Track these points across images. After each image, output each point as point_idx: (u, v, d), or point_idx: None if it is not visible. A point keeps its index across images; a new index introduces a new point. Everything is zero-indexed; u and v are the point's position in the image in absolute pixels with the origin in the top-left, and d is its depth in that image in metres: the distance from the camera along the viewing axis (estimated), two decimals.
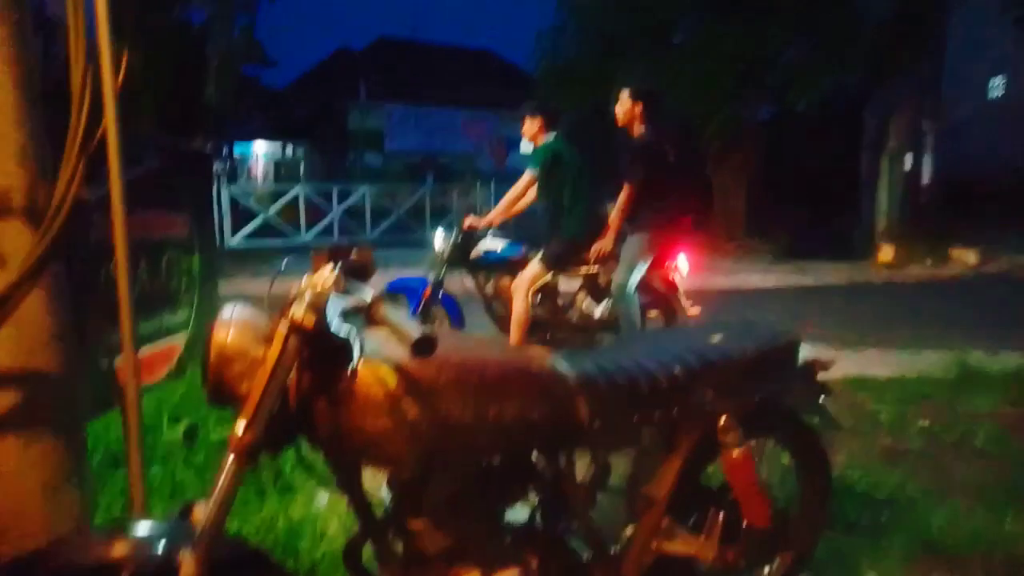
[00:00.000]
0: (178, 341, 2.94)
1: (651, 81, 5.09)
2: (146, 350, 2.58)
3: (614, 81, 4.78)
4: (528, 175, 4.61)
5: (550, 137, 4.67)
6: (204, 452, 2.54)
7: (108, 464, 2.36)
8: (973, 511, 2.56)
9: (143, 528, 1.28)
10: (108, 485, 2.25)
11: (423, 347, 1.17)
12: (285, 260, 1.47)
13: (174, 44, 12.21)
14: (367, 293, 1.31)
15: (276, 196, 15.01)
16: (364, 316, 1.27)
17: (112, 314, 1.87)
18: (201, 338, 2.86)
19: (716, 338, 1.81)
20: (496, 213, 4.81)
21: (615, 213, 4.43)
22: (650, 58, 12.07)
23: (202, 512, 1.25)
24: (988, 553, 2.28)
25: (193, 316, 3.04)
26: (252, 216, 13.61)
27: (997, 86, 13.63)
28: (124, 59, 1.78)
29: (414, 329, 1.18)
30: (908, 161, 11.26)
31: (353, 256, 1.47)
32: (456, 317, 4.88)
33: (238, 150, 27.65)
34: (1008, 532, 2.39)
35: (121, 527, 1.32)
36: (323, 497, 2.46)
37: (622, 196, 4.36)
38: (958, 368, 4.33)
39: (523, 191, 4.68)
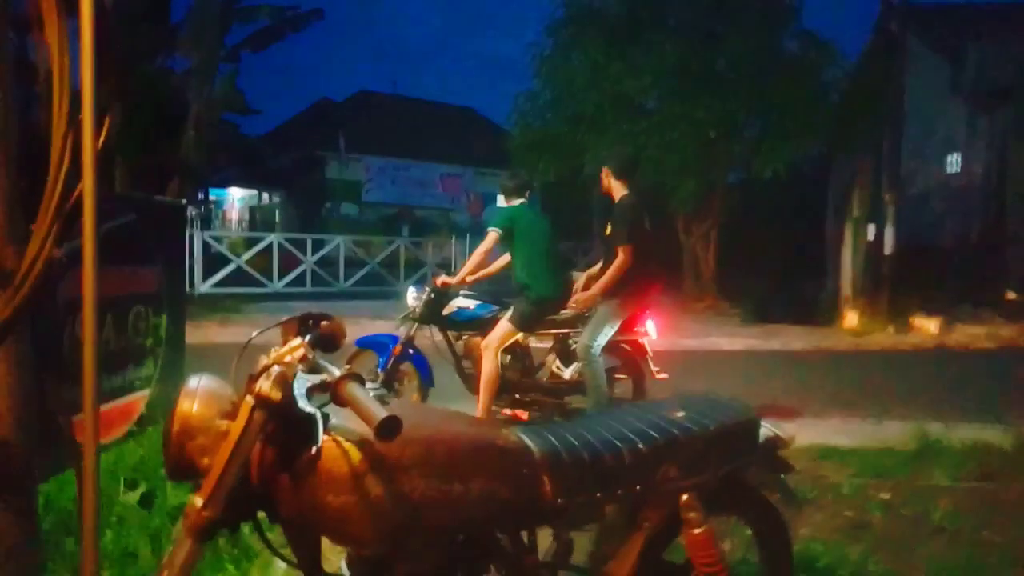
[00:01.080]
0: (140, 397, 2.89)
1: (628, 155, 5.25)
2: (107, 406, 2.53)
3: (585, 148, 4.98)
4: (491, 234, 4.72)
5: (516, 203, 4.84)
6: (160, 517, 2.46)
7: (60, 528, 2.28)
8: None
9: None
10: (58, 551, 2.16)
11: (387, 429, 1.17)
12: (254, 335, 1.47)
13: (155, 91, 12.28)
14: (333, 370, 1.31)
15: (250, 243, 14.96)
16: (330, 393, 1.27)
17: (72, 370, 1.84)
18: (165, 396, 2.82)
19: (679, 414, 1.84)
20: (466, 272, 4.85)
21: (611, 272, 4.37)
22: (620, 128, 12.44)
23: None
24: None
25: (157, 373, 3.00)
26: (224, 261, 13.52)
27: (953, 162, 14.23)
28: (107, 122, 1.80)
29: (379, 410, 1.18)
30: (871, 230, 11.62)
31: (323, 327, 1.48)
32: (425, 374, 4.87)
33: (214, 194, 27.58)
34: None
35: None
36: (280, 566, 2.39)
37: (620, 258, 4.33)
38: (918, 440, 4.40)
39: (488, 249, 4.75)
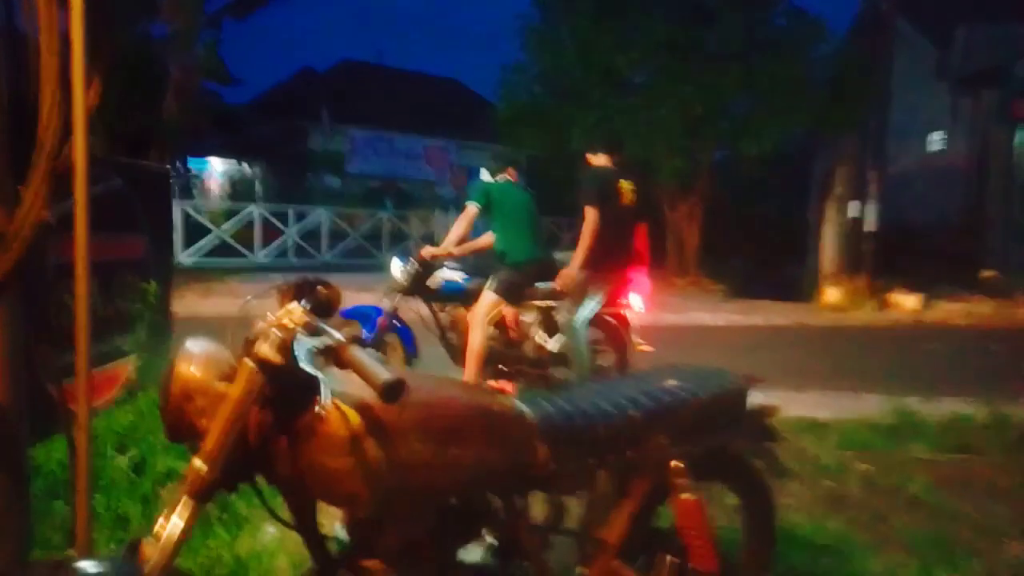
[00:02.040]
0: (127, 364, 2.87)
1: (610, 127, 5.34)
2: (95, 372, 2.50)
3: (571, 123, 5.03)
4: (469, 207, 4.74)
5: (500, 179, 4.90)
6: (150, 482, 2.47)
7: (48, 493, 2.27)
8: (908, 563, 2.65)
9: (88, 567, 1.24)
10: (48, 516, 2.16)
11: (392, 391, 1.18)
12: (249, 298, 1.46)
13: (134, 57, 11.99)
14: (335, 334, 1.31)
15: (231, 214, 14.79)
16: (332, 356, 1.27)
17: (60, 336, 1.83)
18: (153, 362, 2.81)
19: (670, 383, 1.86)
20: (451, 243, 4.83)
21: (582, 238, 4.43)
22: (607, 103, 12.38)
23: (150, 550, 1.23)
24: None
25: (145, 340, 2.97)
26: (205, 233, 13.37)
27: (936, 140, 14.34)
28: (96, 80, 1.77)
29: (383, 373, 1.18)
30: (853, 208, 11.73)
31: (319, 292, 1.47)
32: (410, 346, 4.88)
33: (193, 165, 27.15)
34: None
35: (64, 564, 1.28)
36: (271, 531, 2.41)
37: (588, 220, 4.40)
38: (897, 414, 4.50)
39: (468, 220, 4.75)
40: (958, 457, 3.93)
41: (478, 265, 5.26)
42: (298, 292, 1.45)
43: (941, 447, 4.06)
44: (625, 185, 4.60)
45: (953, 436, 4.19)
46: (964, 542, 2.87)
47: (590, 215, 4.41)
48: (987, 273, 11.75)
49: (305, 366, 1.22)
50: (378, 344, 4.74)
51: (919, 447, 4.03)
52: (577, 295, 4.46)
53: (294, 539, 2.27)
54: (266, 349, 1.24)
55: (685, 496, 1.75)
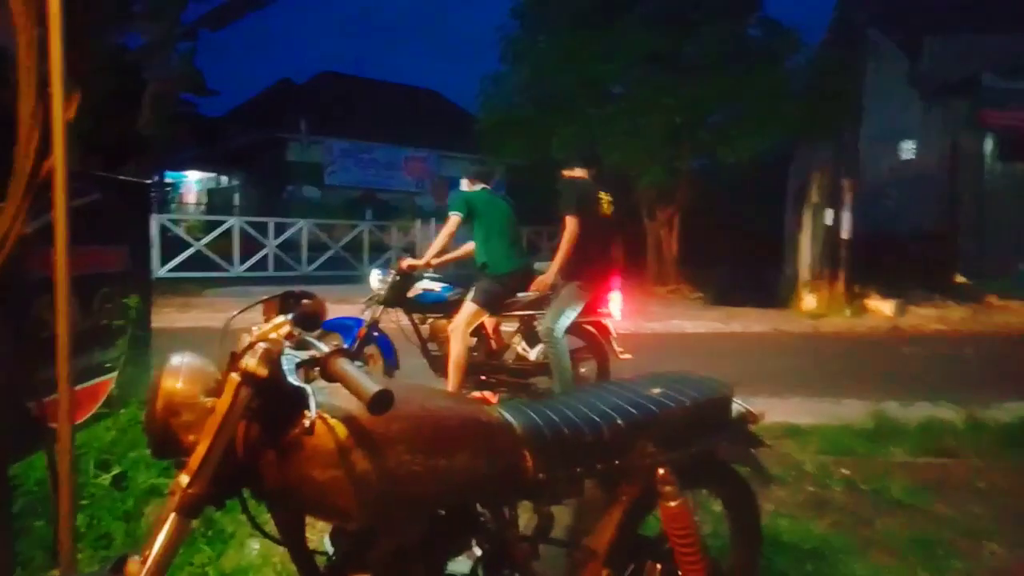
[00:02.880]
0: (109, 380, 2.83)
1: (584, 135, 5.43)
2: (76, 389, 2.47)
3: (552, 132, 5.08)
4: (452, 217, 4.74)
5: (476, 188, 4.91)
6: (133, 499, 2.43)
7: (29, 512, 2.23)
8: (890, 565, 2.69)
9: None
10: (29, 535, 2.11)
11: (380, 403, 1.18)
12: (238, 311, 1.46)
13: (109, 69, 11.86)
14: (321, 346, 1.31)
15: (209, 227, 14.65)
16: (319, 369, 1.27)
17: (39, 352, 1.80)
18: (134, 377, 2.77)
19: (655, 391, 1.88)
20: (432, 255, 4.84)
21: (561, 246, 4.50)
22: (588, 112, 12.48)
23: (136, 568, 1.22)
24: None
25: (126, 355, 2.94)
26: (182, 246, 13.23)
27: (908, 149, 14.60)
28: (76, 94, 1.75)
29: (371, 384, 1.18)
30: (829, 216, 11.89)
31: (304, 305, 1.47)
32: (391, 357, 4.86)
33: (170, 177, 26.88)
34: None
35: None
36: (255, 547, 2.38)
37: (568, 228, 4.46)
38: (876, 418, 4.56)
39: (451, 232, 4.76)
40: (936, 460, 3.99)
41: (459, 275, 5.27)
42: (283, 305, 1.45)
43: (920, 450, 4.12)
44: (603, 196, 4.67)
45: (931, 439, 4.25)
46: (945, 543, 2.91)
47: (570, 224, 4.47)
48: (960, 279, 11.97)
49: (292, 379, 1.22)
50: (358, 355, 4.72)
51: (898, 451, 4.09)
52: (558, 304, 4.48)
53: (280, 553, 2.26)
54: (253, 363, 1.23)
55: (672, 503, 1.76)
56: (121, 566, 1.24)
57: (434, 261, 4.86)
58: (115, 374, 2.89)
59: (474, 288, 4.66)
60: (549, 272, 4.56)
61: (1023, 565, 2.81)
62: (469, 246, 4.98)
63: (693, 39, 12.75)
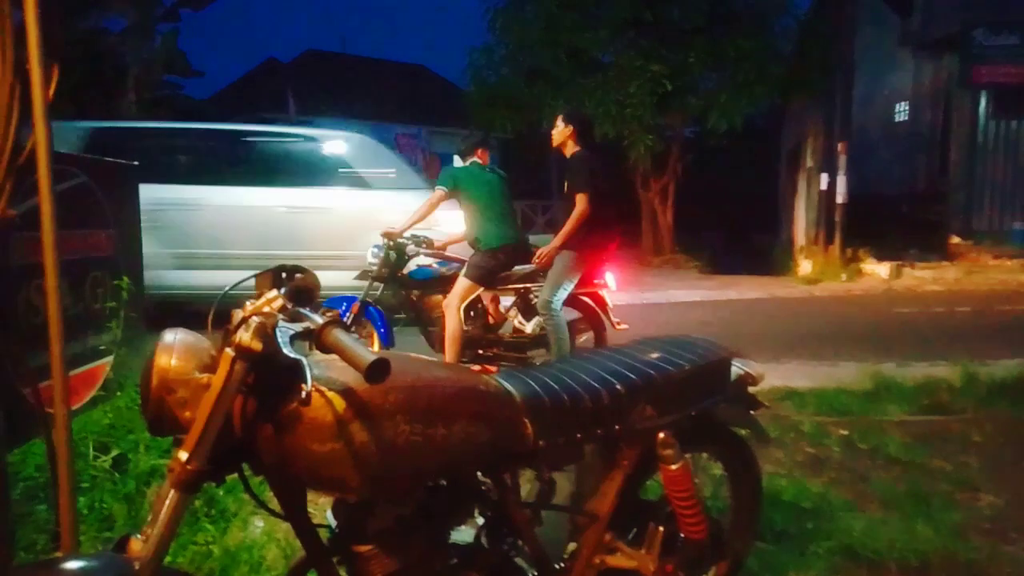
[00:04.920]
0: (104, 363, 2.82)
1: (580, 107, 5.36)
2: (70, 373, 2.46)
3: (542, 104, 5.02)
4: (437, 191, 4.73)
5: (468, 162, 4.89)
6: (134, 481, 2.43)
7: (29, 498, 2.23)
8: (888, 519, 2.72)
9: (76, 565, 1.23)
10: (30, 520, 2.12)
11: (377, 372, 1.17)
12: (231, 286, 1.44)
13: (91, 52, 11.70)
14: (316, 317, 1.30)
15: None
16: (314, 341, 1.26)
17: (30, 338, 1.79)
18: (129, 360, 2.75)
19: (654, 355, 1.87)
20: (411, 222, 4.80)
21: (570, 222, 4.43)
22: (576, 82, 12.36)
23: (138, 546, 1.22)
24: (903, 558, 2.41)
25: (120, 338, 2.92)
26: None
27: (902, 111, 14.52)
28: (55, 72, 1.72)
29: (367, 354, 1.17)
30: (823, 180, 11.86)
31: (297, 279, 1.45)
32: (385, 332, 4.85)
33: None
34: (919, 537, 2.54)
35: (51, 564, 1.26)
36: (259, 524, 2.39)
37: (579, 206, 4.40)
38: (873, 379, 4.58)
39: (432, 204, 4.75)
40: (933, 417, 4.02)
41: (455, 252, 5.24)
42: (276, 279, 1.44)
43: (916, 408, 4.15)
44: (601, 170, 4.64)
45: (927, 397, 4.30)
46: (942, 496, 2.95)
47: (581, 202, 4.40)
48: (954, 239, 11.98)
49: (287, 351, 1.20)
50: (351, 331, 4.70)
51: (895, 409, 4.12)
52: (555, 275, 4.47)
53: (284, 529, 2.28)
54: (247, 337, 1.22)
55: (672, 466, 1.76)
56: (124, 545, 1.25)
57: (439, 244, 4.91)
58: (111, 358, 2.89)
59: (467, 263, 4.65)
60: (551, 246, 4.52)
61: (1017, 514, 2.84)
62: (460, 232, 4.97)
63: (679, 3, 12.59)
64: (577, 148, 4.56)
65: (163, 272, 5.96)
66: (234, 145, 7.22)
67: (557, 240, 4.49)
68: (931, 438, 3.67)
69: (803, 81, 12.52)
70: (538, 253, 4.61)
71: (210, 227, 6.56)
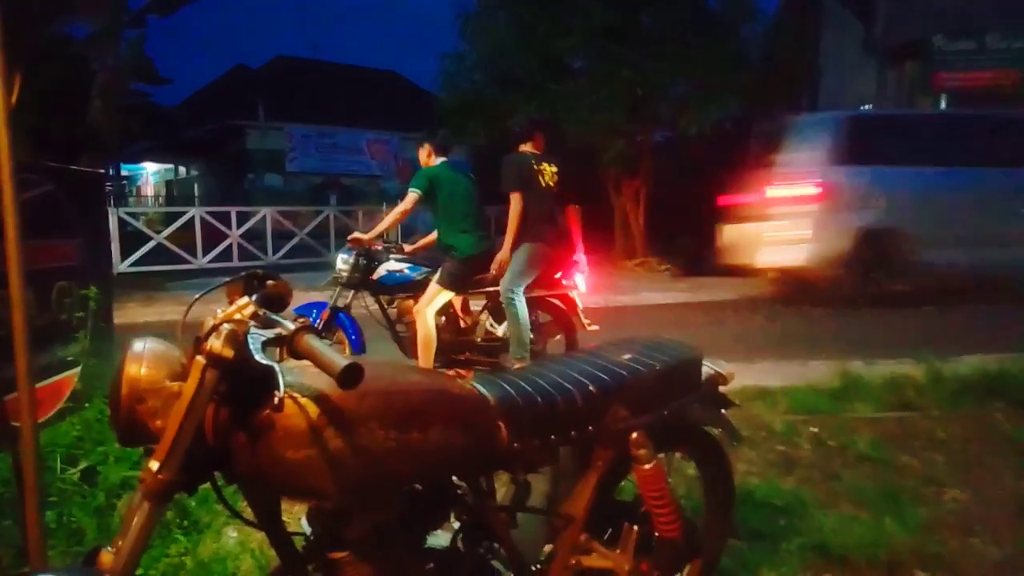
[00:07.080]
0: (71, 375, 2.77)
1: (545, 112, 5.49)
2: (37, 386, 2.41)
3: (515, 110, 5.09)
4: (410, 195, 4.68)
5: (437, 163, 4.83)
6: (104, 494, 2.39)
7: None
8: (858, 515, 2.77)
9: None
10: None
11: (350, 377, 1.17)
12: (201, 293, 1.43)
13: (54, 59, 11.47)
14: (288, 323, 1.29)
15: (170, 219, 14.33)
16: (286, 347, 1.26)
17: None
18: (97, 371, 2.71)
19: (626, 356, 1.89)
20: (382, 229, 4.79)
21: (511, 222, 4.62)
22: (548, 88, 12.43)
23: (109, 559, 1.21)
24: (872, 555, 2.46)
25: (88, 350, 2.87)
26: (143, 239, 12.93)
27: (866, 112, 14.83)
28: (17, 80, 1.69)
29: (339, 359, 1.17)
30: None
31: (269, 286, 1.45)
32: (356, 339, 4.81)
33: (127, 170, 26.21)
34: (888, 533, 2.60)
35: None
36: (232, 534, 2.37)
37: (514, 205, 4.60)
38: (842, 377, 4.67)
39: (406, 209, 4.72)
40: (900, 414, 4.11)
41: (425, 256, 5.23)
42: (247, 287, 1.43)
43: (883, 406, 4.24)
44: (547, 168, 4.71)
45: (894, 394, 4.38)
46: (909, 492, 3.01)
47: (514, 201, 4.60)
48: None
49: (259, 357, 1.20)
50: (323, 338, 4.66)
51: (863, 407, 4.20)
52: (512, 266, 4.57)
53: (258, 538, 2.25)
54: (218, 344, 1.21)
55: (646, 466, 1.78)
56: (94, 558, 1.23)
57: (382, 230, 4.80)
58: (78, 369, 2.83)
59: (440, 270, 4.64)
60: (504, 249, 4.61)
61: (981, 508, 2.91)
62: (433, 235, 4.97)
63: (650, 11, 12.73)
64: (524, 151, 4.75)
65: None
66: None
67: (507, 242, 4.61)
68: (898, 435, 3.74)
69: (770, 88, 12.72)
70: (496, 260, 4.63)
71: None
